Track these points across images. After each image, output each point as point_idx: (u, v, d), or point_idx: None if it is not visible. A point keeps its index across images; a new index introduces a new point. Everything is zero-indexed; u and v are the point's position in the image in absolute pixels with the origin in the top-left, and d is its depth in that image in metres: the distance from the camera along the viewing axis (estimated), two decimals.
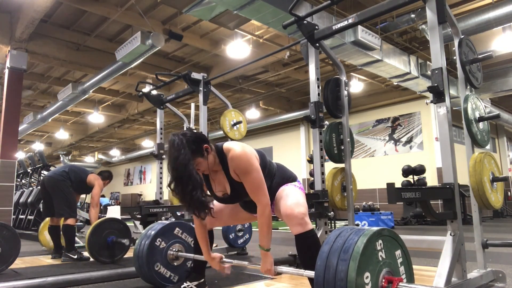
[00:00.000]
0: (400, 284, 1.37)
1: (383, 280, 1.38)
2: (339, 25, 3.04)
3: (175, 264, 2.57)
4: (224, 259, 2.20)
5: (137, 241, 2.58)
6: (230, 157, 1.94)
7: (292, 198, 1.99)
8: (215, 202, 2.23)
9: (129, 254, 4.00)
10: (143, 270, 2.48)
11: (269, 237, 1.94)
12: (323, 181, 3.20)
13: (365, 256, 1.35)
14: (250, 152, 1.97)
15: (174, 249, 2.56)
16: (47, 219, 4.34)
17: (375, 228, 1.45)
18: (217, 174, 2.06)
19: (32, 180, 8.46)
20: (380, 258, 1.40)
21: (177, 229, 2.60)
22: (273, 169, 2.14)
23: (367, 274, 1.34)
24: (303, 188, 2.18)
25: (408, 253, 1.57)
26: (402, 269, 1.55)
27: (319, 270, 1.41)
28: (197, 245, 2.39)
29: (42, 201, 4.12)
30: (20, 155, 13.21)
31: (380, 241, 1.42)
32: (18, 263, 3.61)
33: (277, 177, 2.14)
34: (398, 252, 1.49)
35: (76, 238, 4.49)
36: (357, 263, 1.31)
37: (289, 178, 2.18)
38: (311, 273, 1.69)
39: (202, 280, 2.37)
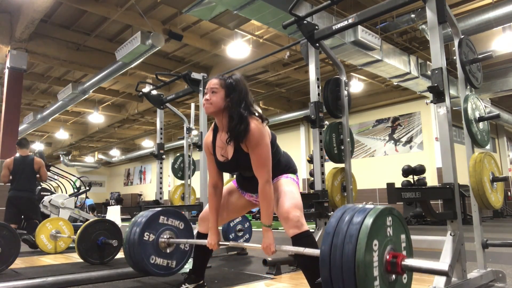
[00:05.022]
0: (405, 259, 1.35)
1: (388, 254, 1.36)
2: (339, 25, 3.05)
3: (169, 251, 2.55)
4: (221, 242, 2.19)
5: (124, 239, 2.53)
6: None
7: (289, 197, 2.01)
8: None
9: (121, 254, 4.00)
10: (140, 266, 2.46)
11: (269, 213, 1.97)
12: (323, 181, 3.21)
13: (377, 224, 1.32)
14: (264, 128, 2.01)
15: (164, 237, 2.53)
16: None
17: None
18: (224, 137, 2.06)
19: None
20: (388, 234, 1.38)
21: (161, 217, 2.56)
22: (279, 153, 2.18)
23: (376, 242, 1.31)
24: (298, 181, 2.23)
25: (411, 241, 1.54)
26: (404, 253, 1.52)
27: (329, 229, 1.37)
28: (197, 252, 2.37)
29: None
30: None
31: (390, 218, 1.39)
32: (18, 263, 3.60)
33: (282, 162, 2.17)
34: (403, 236, 1.46)
35: None
36: (369, 228, 1.28)
37: (292, 167, 2.22)
38: (311, 251, 1.71)
39: (201, 281, 2.36)
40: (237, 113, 1.96)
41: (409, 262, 1.34)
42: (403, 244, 1.46)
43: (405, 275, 1.41)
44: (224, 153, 2.09)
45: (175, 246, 2.58)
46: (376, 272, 1.29)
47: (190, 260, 2.79)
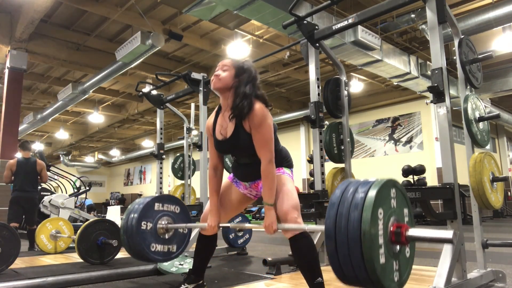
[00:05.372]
0: (409, 230, 1.36)
1: (392, 226, 1.37)
2: (339, 25, 3.05)
3: (168, 236, 2.54)
4: (221, 224, 2.21)
5: (121, 228, 2.51)
6: None
7: (287, 198, 2.02)
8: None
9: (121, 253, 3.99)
10: (141, 255, 2.44)
11: (272, 191, 1.98)
12: (323, 181, 3.20)
13: (381, 194, 1.32)
14: (267, 111, 2.05)
15: (162, 223, 2.52)
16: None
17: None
18: (227, 116, 2.08)
19: None
20: (392, 205, 1.38)
21: (156, 204, 2.53)
22: (279, 144, 2.20)
23: (381, 210, 1.31)
24: (293, 176, 2.24)
25: (412, 215, 1.54)
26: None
27: (334, 200, 1.36)
28: (197, 252, 2.37)
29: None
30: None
31: (394, 190, 1.40)
32: (18, 263, 3.60)
33: (282, 153, 2.19)
34: (406, 210, 1.47)
35: None
36: (375, 197, 1.28)
37: (290, 161, 2.25)
38: (314, 227, 1.71)
39: (201, 281, 2.35)
40: (243, 91, 2.01)
41: (413, 232, 1.34)
42: (406, 219, 1.46)
43: (407, 249, 1.42)
44: (223, 131, 2.10)
45: (173, 230, 2.57)
46: (381, 240, 1.29)
47: (190, 260, 2.79)
